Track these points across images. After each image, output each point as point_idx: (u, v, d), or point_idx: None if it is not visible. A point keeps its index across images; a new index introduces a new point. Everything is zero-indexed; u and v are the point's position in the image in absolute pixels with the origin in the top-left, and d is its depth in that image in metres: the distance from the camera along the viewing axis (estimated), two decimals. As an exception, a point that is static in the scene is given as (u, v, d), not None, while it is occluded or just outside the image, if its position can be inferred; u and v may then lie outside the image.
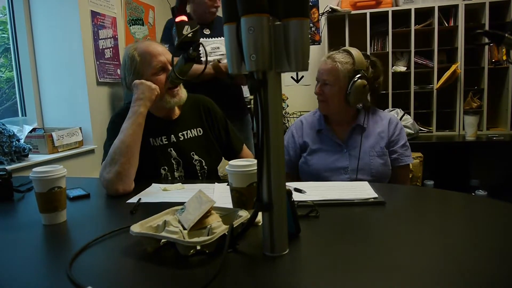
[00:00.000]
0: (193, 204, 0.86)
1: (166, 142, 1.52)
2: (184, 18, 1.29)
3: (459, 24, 3.31)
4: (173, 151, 1.52)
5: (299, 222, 0.86)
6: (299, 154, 1.63)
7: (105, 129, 2.97)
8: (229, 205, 1.00)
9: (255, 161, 0.87)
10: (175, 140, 1.53)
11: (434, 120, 3.44)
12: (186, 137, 1.55)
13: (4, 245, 0.92)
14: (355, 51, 1.55)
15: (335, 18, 3.56)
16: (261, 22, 0.69)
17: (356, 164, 1.52)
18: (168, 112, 1.55)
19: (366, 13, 3.45)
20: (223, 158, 1.67)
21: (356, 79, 1.50)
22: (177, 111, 1.59)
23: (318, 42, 3.89)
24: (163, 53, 1.47)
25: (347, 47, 1.61)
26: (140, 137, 1.37)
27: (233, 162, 0.99)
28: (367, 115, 1.61)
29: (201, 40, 1.91)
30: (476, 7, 3.35)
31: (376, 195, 1.11)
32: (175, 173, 1.52)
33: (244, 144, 1.72)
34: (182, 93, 1.51)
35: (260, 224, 0.90)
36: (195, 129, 1.59)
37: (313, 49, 3.72)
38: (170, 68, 1.44)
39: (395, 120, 1.62)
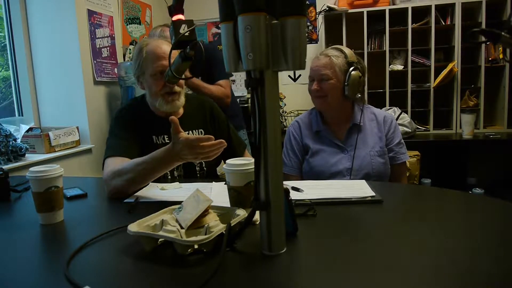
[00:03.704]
0: (191, 203, 0.86)
1: (168, 141, 1.52)
2: (181, 17, 1.28)
3: (456, 22, 3.31)
4: None
5: (296, 221, 0.86)
6: (304, 156, 1.63)
7: (102, 128, 2.98)
8: (227, 204, 1.00)
9: (253, 160, 0.87)
10: None
11: (431, 118, 3.45)
12: None
13: (1, 245, 0.92)
14: (344, 47, 1.59)
15: (332, 16, 3.56)
16: (258, 21, 0.69)
17: (358, 164, 1.52)
18: (169, 112, 1.54)
19: (363, 11, 3.45)
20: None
21: (351, 70, 1.53)
22: (180, 111, 1.58)
23: (316, 41, 3.90)
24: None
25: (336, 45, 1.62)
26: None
27: (231, 161, 1.00)
28: (362, 112, 1.62)
29: None
30: (473, 6, 3.35)
31: (373, 194, 1.12)
32: (175, 172, 1.52)
33: (246, 150, 1.71)
34: (179, 100, 1.49)
35: (257, 223, 0.90)
36: (196, 130, 1.58)
37: (310, 48, 3.72)
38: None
39: (390, 118, 1.63)
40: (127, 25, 3.44)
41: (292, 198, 0.86)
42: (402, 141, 1.61)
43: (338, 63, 1.54)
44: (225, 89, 2.36)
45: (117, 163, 1.33)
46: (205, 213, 0.84)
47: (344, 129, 1.60)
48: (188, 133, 1.56)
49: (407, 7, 3.37)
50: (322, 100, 1.57)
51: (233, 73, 2.59)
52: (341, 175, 1.52)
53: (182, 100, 1.51)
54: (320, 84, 1.55)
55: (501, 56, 3.30)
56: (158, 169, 1.24)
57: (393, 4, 3.53)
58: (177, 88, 1.48)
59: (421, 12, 3.45)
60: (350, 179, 1.51)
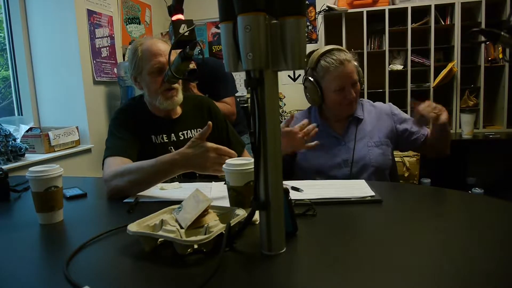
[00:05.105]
0: (190, 203, 0.86)
1: (167, 140, 1.53)
2: (181, 16, 1.28)
3: (456, 22, 3.32)
4: (173, 150, 1.52)
5: (296, 221, 0.86)
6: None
7: (102, 128, 2.98)
8: (226, 204, 1.00)
9: (252, 160, 0.87)
10: (175, 139, 1.54)
11: (431, 118, 3.45)
12: (186, 137, 1.56)
13: (1, 245, 0.91)
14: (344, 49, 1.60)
15: (332, 16, 3.56)
16: (258, 21, 0.69)
17: (356, 156, 1.53)
18: (167, 111, 1.55)
19: (362, 11, 3.45)
20: None
21: (360, 69, 1.57)
22: (178, 111, 1.59)
23: (315, 41, 3.90)
24: (166, 53, 1.45)
25: (334, 45, 1.60)
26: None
27: (230, 161, 1.00)
28: (362, 106, 1.63)
29: None
30: (472, 5, 3.36)
31: (373, 194, 1.12)
32: None
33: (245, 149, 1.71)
34: (177, 97, 1.50)
35: (257, 222, 0.90)
36: (195, 130, 1.59)
37: (310, 47, 3.72)
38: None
39: (388, 106, 1.65)
40: (127, 25, 3.43)
41: (292, 198, 0.86)
42: (411, 117, 1.62)
43: (355, 64, 1.55)
44: (231, 107, 2.38)
45: (117, 163, 1.33)
46: (204, 213, 0.84)
47: (343, 123, 1.61)
48: (187, 133, 1.56)
49: (407, 7, 3.38)
50: (354, 105, 1.56)
51: (238, 91, 2.58)
52: (339, 167, 1.53)
53: (180, 96, 1.52)
54: (354, 90, 1.54)
55: (500, 56, 3.31)
56: (162, 172, 1.22)
57: (393, 4, 3.53)
58: (175, 85, 1.49)
59: (420, 12, 3.45)
60: (350, 170, 1.51)
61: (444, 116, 1.37)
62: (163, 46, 1.48)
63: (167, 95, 1.48)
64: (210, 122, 1.16)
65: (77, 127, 2.76)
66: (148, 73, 1.47)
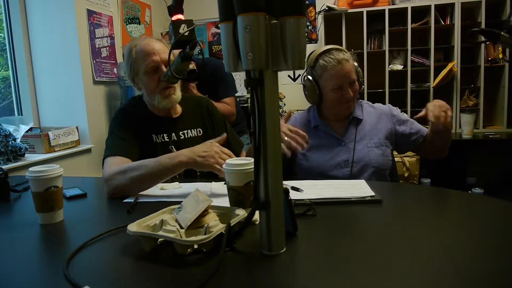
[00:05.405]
0: (190, 203, 0.86)
1: (168, 139, 1.53)
2: (181, 16, 1.29)
3: (456, 22, 3.32)
4: (173, 149, 1.52)
5: (296, 221, 0.86)
6: None
7: (101, 128, 2.98)
8: (226, 204, 1.00)
9: (252, 160, 0.87)
10: (175, 139, 1.54)
11: (431, 118, 3.45)
12: (186, 137, 1.56)
13: (1, 245, 0.91)
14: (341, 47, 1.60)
15: (332, 16, 3.56)
16: (258, 21, 0.69)
17: (356, 156, 1.53)
18: (167, 110, 1.55)
19: (362, 11, 3.46)
20: None
21: (359, 69, 1.58)
22: (178, 110, 1.60)
23: (315, 41, 3.90)
24: (160, 52, 1.46)
25: (334, 45, 1.60)
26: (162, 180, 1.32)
27: (230, 161, 1.00)
28: (361, 107, 1.64)
29: None
30: (472, 6, 3.36)
31: (373, 194, 1.12)
32: None
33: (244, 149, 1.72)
34: (175, 94, 1.50)
35: (257, 222, 0.90)
36: (195, 129, 1.59)
37: (310, 47, 3.72)
38: (164, 67, 1.44)
39: (388, 109, 1.65)
40: (127, 25, 3.44)
41: (292, 198, 0.86)
42: (410, 119, 1.63)
43: (354, 64, 1.56)
44: (230, 107, 2.38)
45: (117, 162, 1.33)
46: (204, 213, 0.84)
47: (343, 123, 1.61)
48: (187, 132, 1.57)
49: (407, 7, 3.38)
50: (351, 104, 1.57)
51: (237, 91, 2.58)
52: (340, 167, 1.53)
53: (178, 94, 1.52)
54: (351, 89, 1.54)
55: (500, 56, 3.31)
56: (166, 166, 1.23)
57: (393, 4, 3.53)
58: None
59: (420, 12, 3.45)
60: (350, 171, 1.51)
61: (443, 119, 1.39)
62: (157, 45, 1.48)
63: (164, 93, 1.48)
64: (225, 134, 1.24)
65: (77, 127, 2.76)
66: (144, 73, 1.47)
